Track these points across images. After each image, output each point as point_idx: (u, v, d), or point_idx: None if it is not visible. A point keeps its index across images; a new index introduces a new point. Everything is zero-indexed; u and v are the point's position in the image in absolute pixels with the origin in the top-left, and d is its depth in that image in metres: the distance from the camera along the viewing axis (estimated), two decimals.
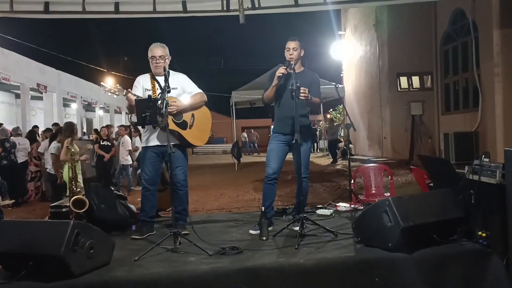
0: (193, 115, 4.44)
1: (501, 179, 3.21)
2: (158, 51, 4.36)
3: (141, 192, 4.41)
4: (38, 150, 10.12)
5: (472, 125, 11.09)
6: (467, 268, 3.25)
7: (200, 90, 4.54)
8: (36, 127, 12.30)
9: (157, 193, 4.44)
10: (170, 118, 4.14)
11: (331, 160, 17.57)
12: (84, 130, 20.97)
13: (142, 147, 4.47)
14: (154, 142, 4.33)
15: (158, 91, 4.29)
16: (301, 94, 4.07)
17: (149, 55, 4.39)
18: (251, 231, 4.21)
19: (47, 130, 11.04)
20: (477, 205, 3.43)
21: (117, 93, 4.12)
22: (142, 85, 4.37)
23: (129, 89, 4.25)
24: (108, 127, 12.09)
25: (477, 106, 10.95)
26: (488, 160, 3.42)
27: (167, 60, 4.40)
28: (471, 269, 3.25)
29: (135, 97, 4.15)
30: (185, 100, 4.40)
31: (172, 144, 3.91)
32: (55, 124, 12.10)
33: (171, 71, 4.30)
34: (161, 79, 4.35)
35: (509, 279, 3.16)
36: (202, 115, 4.54)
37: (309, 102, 4.33)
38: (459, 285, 3.21)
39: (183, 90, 4.43)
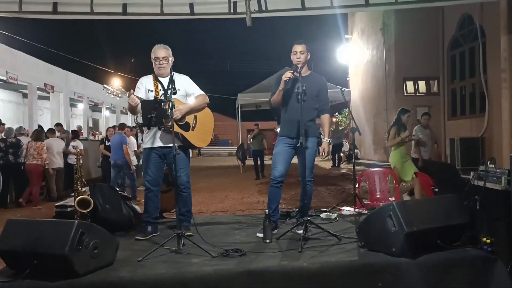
0: (195, 117, 4.44)
1: (506, 185, 3.21)
2: (162, 52, 4.37)
3: (144, 193, 4.43)
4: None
5: (478, 130, 11.06)
6: (471, 274, 3.24)
7: (202, 92, 4.53)
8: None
9: (159, 194, 4.45)
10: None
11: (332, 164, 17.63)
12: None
13: (145, 148, 4.46)
14: (156, 143, 4.33)
15: (161, 92, 4.28)
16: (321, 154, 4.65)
17: (152, 56, 4.40)
18: (259, 234, 4.18)
19: (50, 130, 11.09)
20: (482, 211, 3.42)
21: (120, 95, 4.14)
22: (145, 86, 4.37)
23: (132, 90, 4.25)
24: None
25: (484, 111, 10.91)
26: (493, 166, 3.41)
27: (170, 61, 4.40)
28: (475, 275, 3.23)
29: (138, 99, 4.14)
30: (189, 102, 4.41)
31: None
32: (58, 125, 12.13)
33: (174, 73, 4.27)
34: (164, 80, 4.36)
35: None
36: (205, 116, 4.54)
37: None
38: None
39: (186, 91, 4.44)
